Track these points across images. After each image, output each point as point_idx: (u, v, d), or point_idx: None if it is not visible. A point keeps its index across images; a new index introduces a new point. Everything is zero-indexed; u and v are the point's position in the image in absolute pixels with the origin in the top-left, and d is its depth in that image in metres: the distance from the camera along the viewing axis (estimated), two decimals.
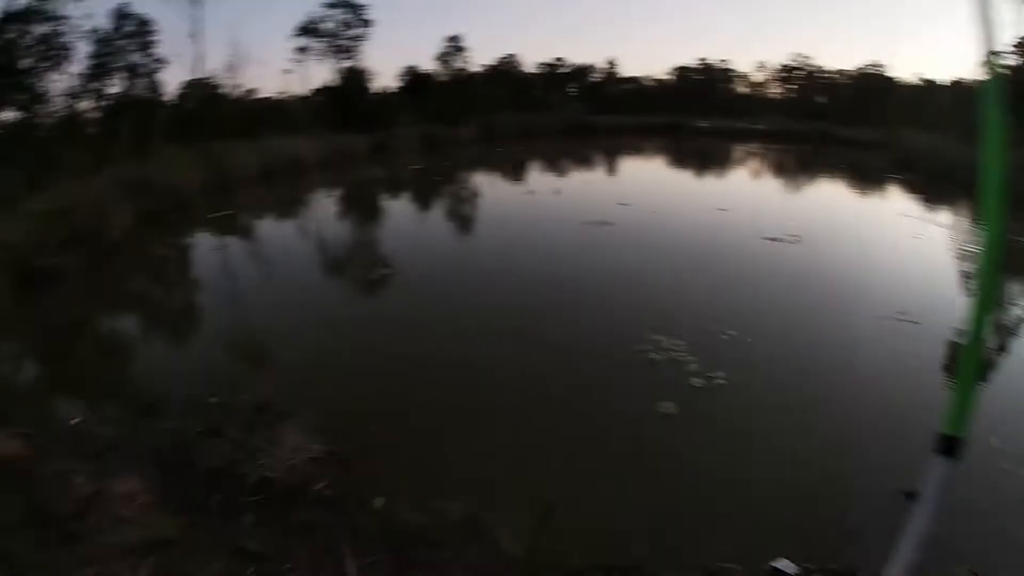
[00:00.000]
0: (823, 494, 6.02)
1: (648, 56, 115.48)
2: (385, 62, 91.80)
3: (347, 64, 45.13)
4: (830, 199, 27.07)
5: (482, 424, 7.42)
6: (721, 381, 8.32)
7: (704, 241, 16.84)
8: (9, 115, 26.13)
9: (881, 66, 67.17)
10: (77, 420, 7.33)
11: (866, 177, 33.51)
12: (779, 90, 76.22)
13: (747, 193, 26.72)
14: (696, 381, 8.31)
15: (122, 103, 30.98)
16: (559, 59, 75.56)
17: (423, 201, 25.71)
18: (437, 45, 53.87)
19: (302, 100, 45.95)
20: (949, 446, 1.44)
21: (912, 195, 27.47)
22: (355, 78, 44.64)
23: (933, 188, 28.24)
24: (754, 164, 38.91)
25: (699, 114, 65.12)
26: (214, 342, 10.76)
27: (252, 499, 5.71)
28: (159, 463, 6.43)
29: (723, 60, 78.10)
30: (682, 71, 79.18)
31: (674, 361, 8.90)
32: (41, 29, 26.48)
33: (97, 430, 7.08)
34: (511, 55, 68.53)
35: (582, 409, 7.76)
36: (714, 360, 8.89)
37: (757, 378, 8.55)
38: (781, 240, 16.15)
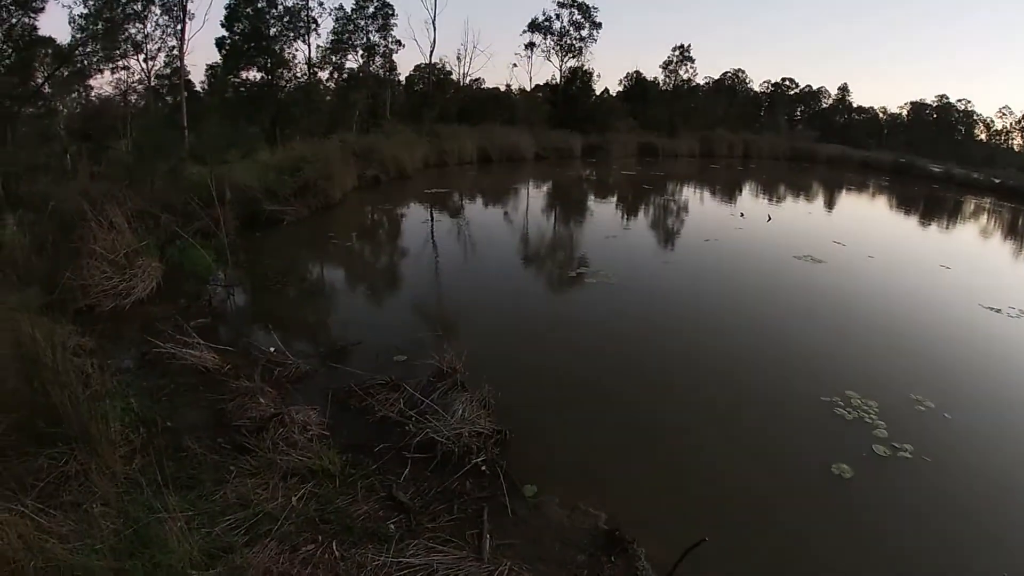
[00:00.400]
0: None
1: (884, 83, 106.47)
2: (608, 63, 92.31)
3: (572, 64, 46.01)
4: None
5: (647, 438, 7.20)
6: (906, 454, 7.41)
7: (920, 299, 15.23)
8: (255, 75, 29.23)
9: None
10: (274, 349, 8.06)
11: None
12: (1021, 140, 67.96)
13: (972, 253, 23.90)
14: (880, 449, 7.47)
15: (357, 77, 33.54)
16: (788, 79, 72.50)
17: (630, 208, 25.49)
18: (663, 51, 53.76)
19: (524, 94, 47.62)
20: None
21: None
22: (579, 78, 45.35)
23: None
24: (985, 221, 34.87)
25: (931, 156, 59.42)
26: (409, 306, 11.50)
27: (414, 455, 5.95)
28: (338, 403, 6.91)
29: (963, 99, 71.09)
30: (917, 107, 72.79)
31: (862, 422, 8.10)
32: (288, 2, 29.70)
33: (289, 362, 7.77)
34: (739, 70, 66.79)
35: (754, 448, 7.29)
36: (905, 429, 7.96)
37: (948, 459, 7.49)
38: (1001, 312, 14.38)
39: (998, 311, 14.38)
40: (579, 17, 44.90)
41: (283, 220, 15.82)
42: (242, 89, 28.66)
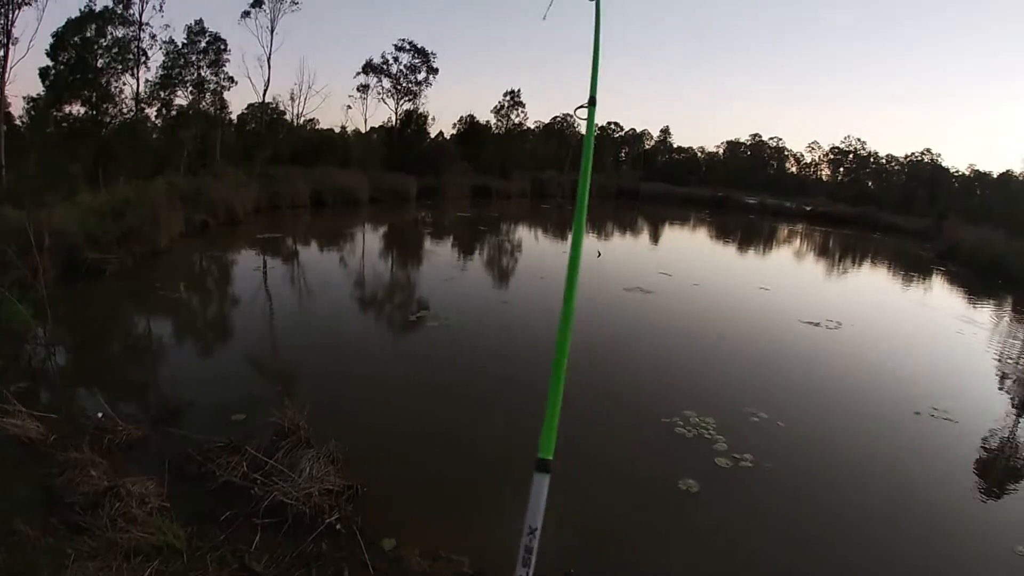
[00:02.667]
0: None
1: (700, 126, 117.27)
2: (442, 107, 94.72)
3: (408, 107, 46.17)
4: (873, 286, 26.18)
5: (498, 476, 7.23)
6: (747, 463, 8.04)
7: (743, 319, 16.70)
8: (78, 110, 27.09)
9: (933, 153, 67.63)
10: (101, 414, 7.38)
11: (911, 267, 32.99)
12: (828, 171, 76.40)
13: (789, 274, 26.50)
14: (722, 461, 8.04)
15: (186, 115, 31.91)
16: (614, 123, 77.14)
17: (466, 249, 25.74)
18: (495, 96, 55.50)
19: (359, 136, 47.21)
20: (544, 466, 1.67)
21: (956, 288, 26.91)
22: (414, 121, 45.56)
23: (978, 282, 27.90)
24: (798, 245, 38.81)
25: (746, 189, 65.36)
26: (244, 360, 10.88)
27: (263, 521, 5.64)
28: (176, 470, 6.44)
29: (774, 137, 78.83)
30: (733, 145, 79.88)
31: (702, 438, 8.68)
32: (118, 32, 27.88)
33: (119, 428, 7.12)
34: (567, 114, 69.79)
35: (602, 473, 7.60)
36: (743, 441, 8.63)
37: (784, 464, 8.25)
38: (819, 325, 15.90)
39: (816, 324, 15.91)
40: (416, 61, 45.30)
41: (105, 270, 14.56)
42: (64, 124, 26.46)
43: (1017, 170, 55.25)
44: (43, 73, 26.10)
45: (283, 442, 6.68)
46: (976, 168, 65.73)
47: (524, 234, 32.19)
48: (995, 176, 61.54)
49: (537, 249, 27.45)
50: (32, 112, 27.80)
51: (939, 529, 7.13)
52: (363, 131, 48.27)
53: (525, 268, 21.72)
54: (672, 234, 39.45)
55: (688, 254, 30.36)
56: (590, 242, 30.04)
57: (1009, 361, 15.19)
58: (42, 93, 26.76)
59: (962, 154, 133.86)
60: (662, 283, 19.91)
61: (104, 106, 27.04)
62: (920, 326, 18.65)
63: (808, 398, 11.01)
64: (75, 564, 4.70)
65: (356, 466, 6.71)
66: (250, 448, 6.55)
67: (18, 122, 28.60)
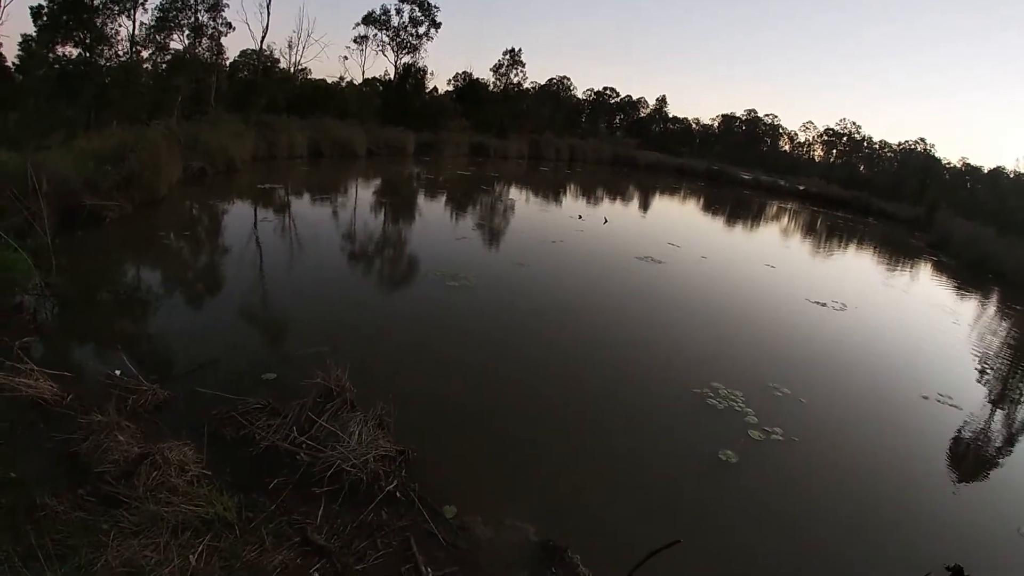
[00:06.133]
0: None
1: (697, 97, 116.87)
2: (438, 62, 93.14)
3: (407, 60, 45.05)
4: (871, 270, 26.12)
5: (543, 440, 7.17)
6: (778, 437, 8.09)
7: (755, 295, 16.82)
8: (71, 51, 25.90)
9: (926, 143, 67.90)
10: (120, 372, 6.90)
11: (905, 254, 33.02)
12: (821, 152, 76.72)
13: (791, 252, 26.54)
14: (755, 433, 8.06)
15: (183, 60, 30.76)
16: (610, 88, 76.43)
17: (474, 209, 25.04)
18: (493, 53, 54.18)
19: (356, 88, 46.04)
20: None
21: (949, 279, 27.09)
22: (412, 76, 44.50)
23: (969, 274, 28.15)
24: (796, 223, 38.99)
25: (740, 164, 65.27)
26: (265, 315, 10.48)
27: (321, 490, 5.31)
28: (212, 433, 6.00)
29: (770, 114, 78.64)
30: (728, 119, 79.54)
31: (732, 410, 8.68)
32: None
33: (144, 387, 6.60)
34: (564, 77, 69.22)
35: (648, 442, 7.62)
36: (771, 415, 8.67)
37: (812, 439, 8.33)
38: (826, 306, 15.94)
39: (823, 304, 16.04)
40: (419, 14, 44.17)
41: (105, 217, 13.79)
42: (57, 66, 25.29)
43: (1008, 167, 55.60)
44: (35, 13, 24.83)
45: (328, 404, 6.23)
46: (968, 162, 66.37)
47: (528, 197, 31.62)
48: (986, 171, 61.95)
49: (544, 213, 26.88)
50: (26, 52, 26.55)
51: (946, 510, 7.42)
52: (359, 82, 47.10)
53: (535, 231, 21.11)
54: (673, 205, 39.33)
55: (692, 226, 30.28)
56: (593, 208, 29.87)
57: (999, 352, 15.50)
58: (34, 33, 25.57)
59: (955, 147, 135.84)
60: (672, 254, 19.83)
61: (99, 48, 25.88)
62: (917, 313, 18.78)
63: (824, 376, 11.15)
64: (116, 541, 4.19)
65: (401, 429, 6.38)
66: (294, 410, 6.13)
67: (10, 64, 27.37)
